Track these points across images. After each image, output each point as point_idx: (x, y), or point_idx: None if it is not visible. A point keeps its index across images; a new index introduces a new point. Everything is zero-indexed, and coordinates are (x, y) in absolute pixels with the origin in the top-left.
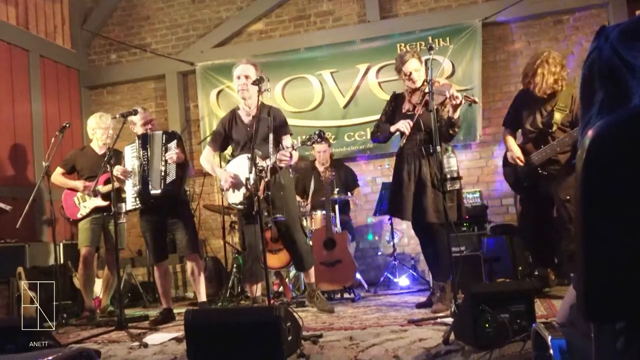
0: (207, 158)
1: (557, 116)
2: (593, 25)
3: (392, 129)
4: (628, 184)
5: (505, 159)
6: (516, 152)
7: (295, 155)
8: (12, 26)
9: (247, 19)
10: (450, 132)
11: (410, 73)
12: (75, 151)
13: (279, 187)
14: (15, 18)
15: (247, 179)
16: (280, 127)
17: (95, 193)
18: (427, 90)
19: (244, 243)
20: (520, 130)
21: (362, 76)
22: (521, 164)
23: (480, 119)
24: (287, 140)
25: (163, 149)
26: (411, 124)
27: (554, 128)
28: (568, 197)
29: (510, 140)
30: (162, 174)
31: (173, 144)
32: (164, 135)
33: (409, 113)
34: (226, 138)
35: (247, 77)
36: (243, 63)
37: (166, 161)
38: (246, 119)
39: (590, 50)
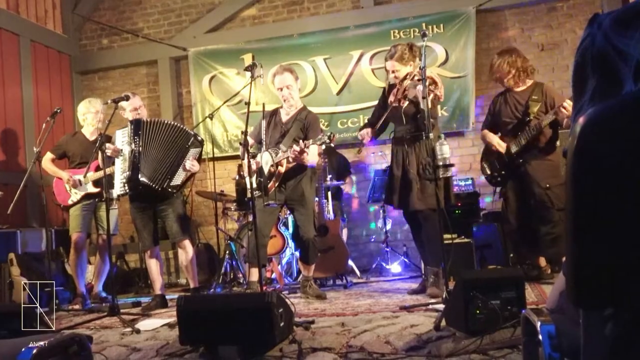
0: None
1: (533, 107)
2: (587, 13)
3: (358, 135)
4: (618, 171)
5: (483, 154)
6: (494, 138)
7: (310, 155)
8: (2, 10)
9: (240, 4)
10: (424, 122)
11: (388, 72)
12: (66, 136)
13: (296, 180)
14: (5, 2)
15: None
16: (310, 133)
17: (78, 184)
18: (405, 85)
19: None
20: (499, 132)
21: (355, 63)
22: (502, 149)
23: (473, 107)
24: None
25: (185, 150)
26: (369, 133)
27: (531, 117)
28: (548, 185)
29: (487, 132)
30: (170, 174)
31: (197, 151)
32: (193, 138)
33: (394, 105)
34: (261, 132)
35: (288, 87)
36: (279, 73)
37: (183, 164)
38: (285, 118)
39: (582, 37)
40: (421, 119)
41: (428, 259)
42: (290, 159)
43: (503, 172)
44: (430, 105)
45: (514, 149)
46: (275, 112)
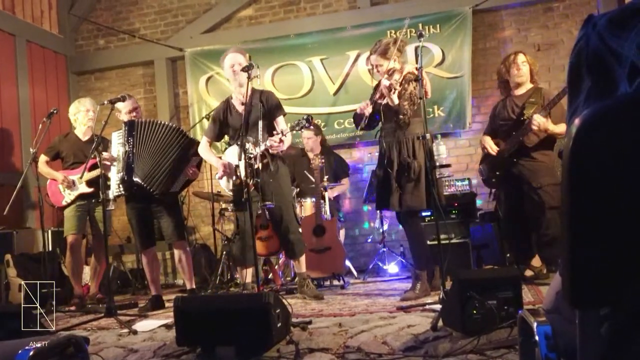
0: (205, 148)
1: (529, 109)
2: (583, 13)
3: (358, 110)
4: (613, 172)
5: (482, 158)
6: (488, 141)
7: (287, 140)
8: None
9: (236, 5)
10: (395, 119)
11: (373, 67)
12: (59, 137)
13: (271, 174)
14: (1, 2)
15: (237, 167)
16: (272, 110)
17: (73, 184)
18: (383, 82)
19: (237, 228)
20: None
21: (352, 63)
22: (493, 151)
23: (469, 107)
24: (281, 123)
25: (187, 158)
26: (368, 103)
27: (525, 117)
28: (540, 185)
29: (484, 137)
30: (170, 179)
31: (198, 158)
32: (197, 145)
33: (379, 101)
34: (221, 128)
35: (240, 64)
36: (232, 52)
37: (185, 171)
38: (240, 108)
39: (577, 38)
40: (394, 114)
41: (413, 260)
42: (271, 152)
43: (497, 173)
44: (396, 102)
45: (507, 150)
46: (227, 104)
